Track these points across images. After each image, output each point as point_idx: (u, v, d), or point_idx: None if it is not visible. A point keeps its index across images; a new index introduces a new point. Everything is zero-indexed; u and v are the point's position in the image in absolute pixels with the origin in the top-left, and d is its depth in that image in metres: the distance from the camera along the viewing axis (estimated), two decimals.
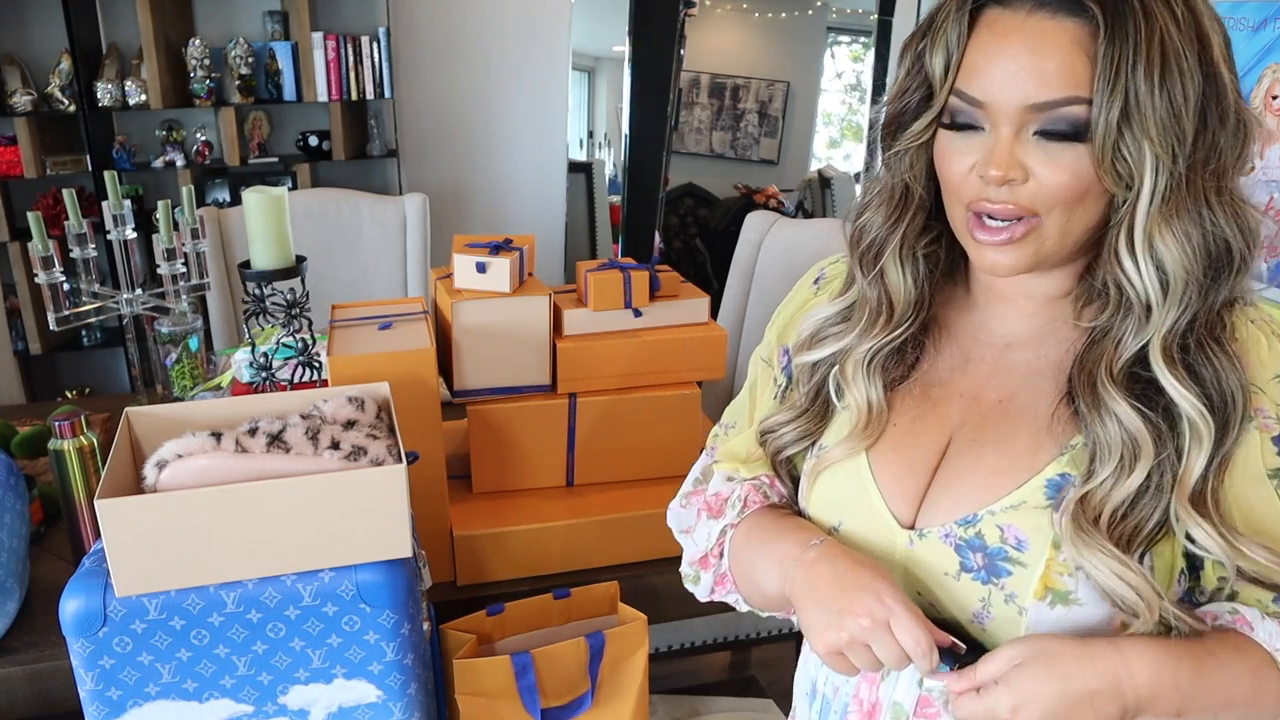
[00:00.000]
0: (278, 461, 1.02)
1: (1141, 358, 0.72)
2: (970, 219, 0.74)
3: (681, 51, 3.37)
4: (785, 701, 1.14)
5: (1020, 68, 0.68)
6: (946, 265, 0.85)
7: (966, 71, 0.71)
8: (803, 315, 0.92)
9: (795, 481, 0.93)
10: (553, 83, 3.53)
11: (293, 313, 1.43)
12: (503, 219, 3.65)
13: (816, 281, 0.96)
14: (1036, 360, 0.81)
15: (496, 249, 1.44)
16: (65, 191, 1.70)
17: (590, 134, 3.61)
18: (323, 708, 1.08)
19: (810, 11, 3.49)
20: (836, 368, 0.86)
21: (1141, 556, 0.71)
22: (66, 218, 1.63)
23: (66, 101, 3.12)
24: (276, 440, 1.04)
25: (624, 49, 3.34)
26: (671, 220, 3.55)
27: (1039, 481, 0.75)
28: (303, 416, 1.10)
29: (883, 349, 0.83)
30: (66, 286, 1.63)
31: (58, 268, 1.60)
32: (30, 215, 1.57)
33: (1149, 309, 0.70)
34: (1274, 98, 1.27)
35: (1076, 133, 0.68)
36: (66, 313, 1.62)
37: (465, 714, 1.20)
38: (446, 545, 1.37)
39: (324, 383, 1.49)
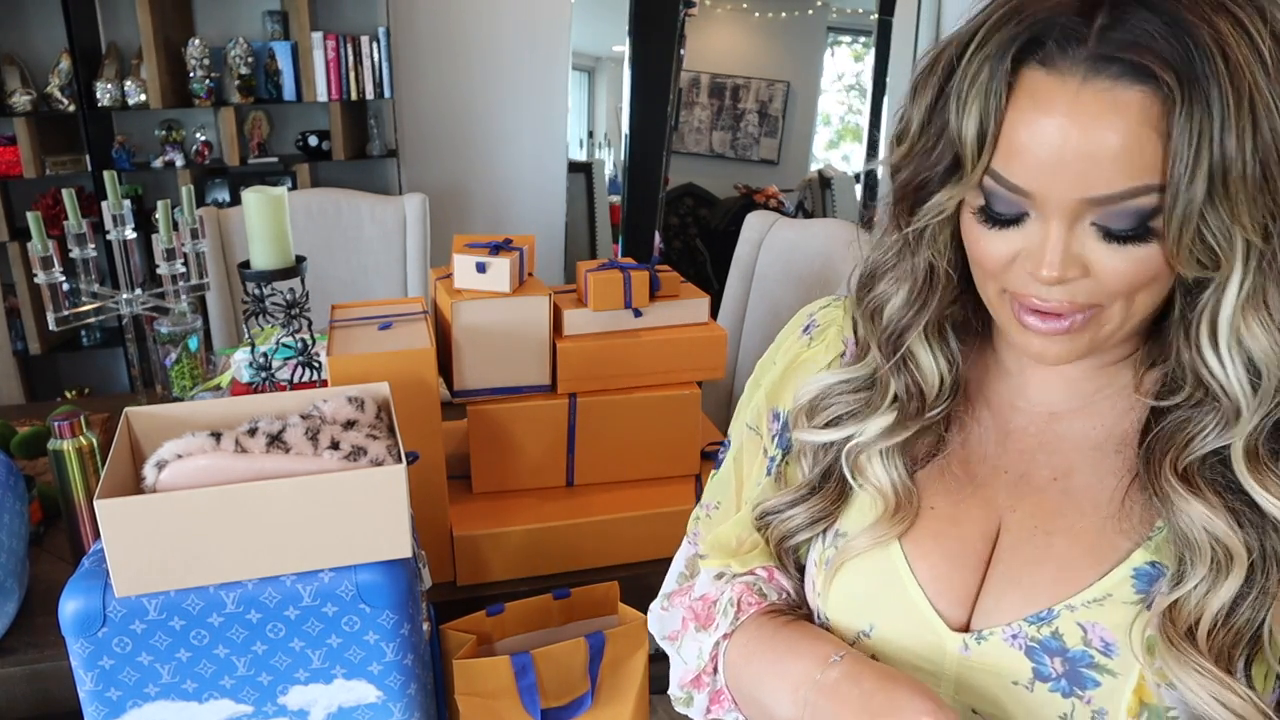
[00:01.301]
0: (277, 461, 1.02)
1: (1220, 453, 0.61)
2: (1014, 305, 0.63)
3: (681, 51, 3.37)
4: None
5: (1076, 155, 0.55)
6: (976, 324, 0.73)
7: (1006, 150, 0.57)
8: (796, 372, 0.80)
9: (801, 569, 0.80)
10: (553, 83, 3.53)
11: (292, 313, 1.43)
12: (503, 219, 3.65)
13: (807, 329, 0.82)
14: (1092, 432, 0.69)
15: (496, 249, 1.44)
16: (65, 191, 1.69)
17: (590, 134, 3.61)
18: (322, 708, 1.07)
19: (810, 11, 3.49)
20: (848, 448, 0.74)
21: (1248, 665, 0.60)
22: (66, 218, 1.63)
23: (66, 101, 3.12)
24: (276, 440, 1.04)
25: (624, 49, 3.34)
26: (671, 220, 3.55)
27: (1125, 571, 0.63)
28: (302, 416, 1.10)
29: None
30: (66, 286, 1.62)
31: (57, 268, 1.60)
32: (30, 215, 1.57)
33: (1238, 411, 0.59)
34: None
35: (1143, 223, 0.56)
36: (66, 313, 1.62)
37: (465, 714, 1.20)
38: (446, 545, 1.37)
39: (324, 383, 1.49)
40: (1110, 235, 0.57)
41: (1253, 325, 0.58)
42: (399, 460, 1.05)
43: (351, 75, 3.27)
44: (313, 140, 3.36)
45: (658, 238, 3.51)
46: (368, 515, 1.02)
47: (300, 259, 1.42)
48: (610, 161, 3.59)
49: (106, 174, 1.66)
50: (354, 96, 3.30)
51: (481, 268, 1.41)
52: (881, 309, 0.71)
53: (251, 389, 1.58)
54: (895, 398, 0.71)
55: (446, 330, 1.43)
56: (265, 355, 1.50)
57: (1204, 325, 0.59)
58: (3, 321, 3.22)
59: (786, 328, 0.85)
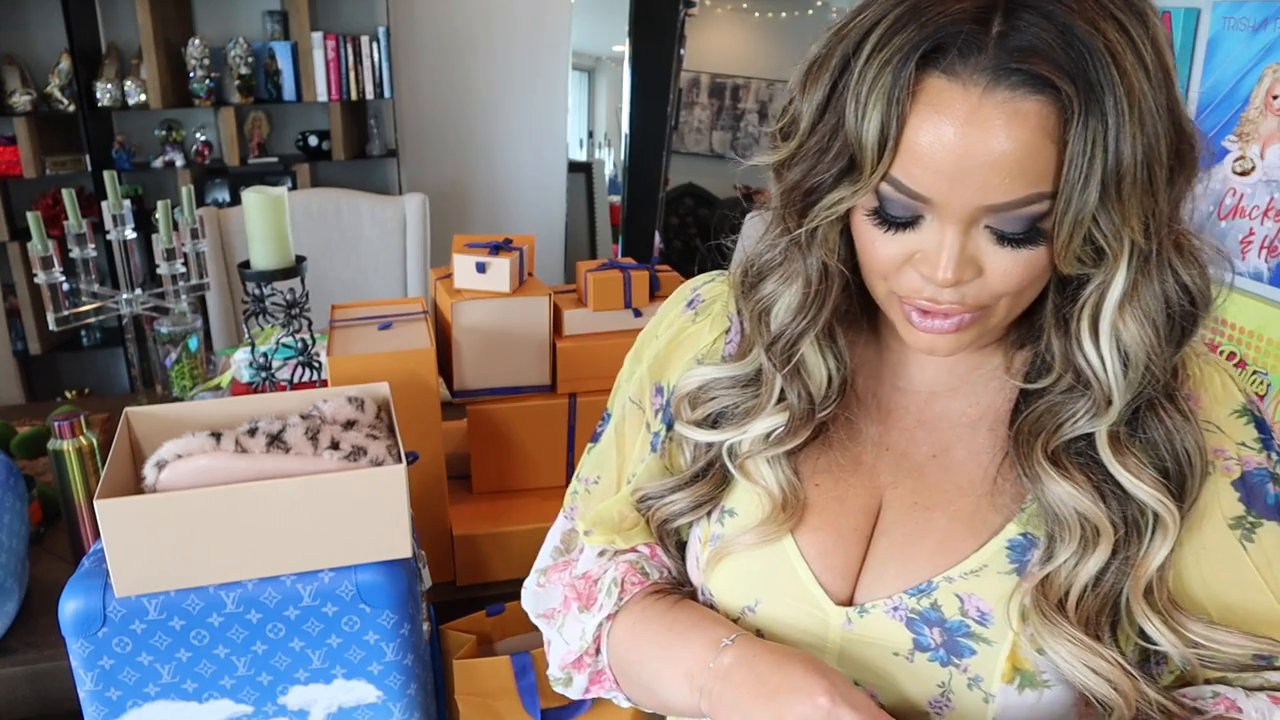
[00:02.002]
0: (277, 461, 1.02)
1: (1087, 435, 0.64)
2: (904, 304, 0.64)
3: (681, 51, 3.37)
4: None
5: (977, 164, 0.55)
6: (860, 312, 0.73)
7: (906, 156, 0.57)
8: (680, 346, 0.79)
9: (681, 548, 0.79)
10: (553, 83, 3.53)
11: (292, 313, 1.43)
12: (503, 219, 3.65)
13: (691, 304, 0.81)
14: (969, 410, 0.71)
15: (496, 249, 1.44)
16: (65, 191, 1.70)
17: (590, 134, 3.61)
18: (322, 708, 1.07)
19: (810, 11, 3.49)
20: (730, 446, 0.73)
21: (1113, 629, 0.64)
22: (66, 218, 1.63)
23: (66, 101, 3.12)
24: (276, 440, 1.04)
25: (624, 49, 3.34)
26: (671, 220, 3.55)
27: (1000, 543, 0.65)
28: (302, 416, 1.10)
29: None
30: (66, 286, 1.62)
31: (57, 268, 1.60)
32: (30, 215, 1.57)
33: (1110, 400, 0.62)
34: (1274, 97, 1.27)
35: (1033, 226, 0.58)
36: (66, 313, 1.62)
37: (465, 714, 1.20)
38: (446, 545, 1.37)
39: (324, 383, 1.49)
40: (1003, 238, 0.59)
41: (1129, 320, 0.60)
42: (399, 460, 1.05)
43: (351, 75, 3.27)
44: (313, 140, 3.37)
45: (658, 238, 3.51)
46: (368, 515, 1.02)
47: (300, 259, 1.42)
48: (610, 161, 3.59)
49: (106, 174, 1.66)
50: (354, 96, 3.30)
51: (481, 268, 1.41)
52: (770, 310, 0.69)
53: (251, 389, 1.58)
54: (783, 401, 0.70)
55: (446, 330, 1.43)
56: (265, 355, 1.50)
57: (1085, 320, 0.61)
58: (3, 321, 3.22)
59: (669, 301, 0.83)
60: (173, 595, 1.00)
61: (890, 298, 0.65)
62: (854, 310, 0.72)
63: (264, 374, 1.50)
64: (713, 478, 0.74)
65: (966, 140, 0.55)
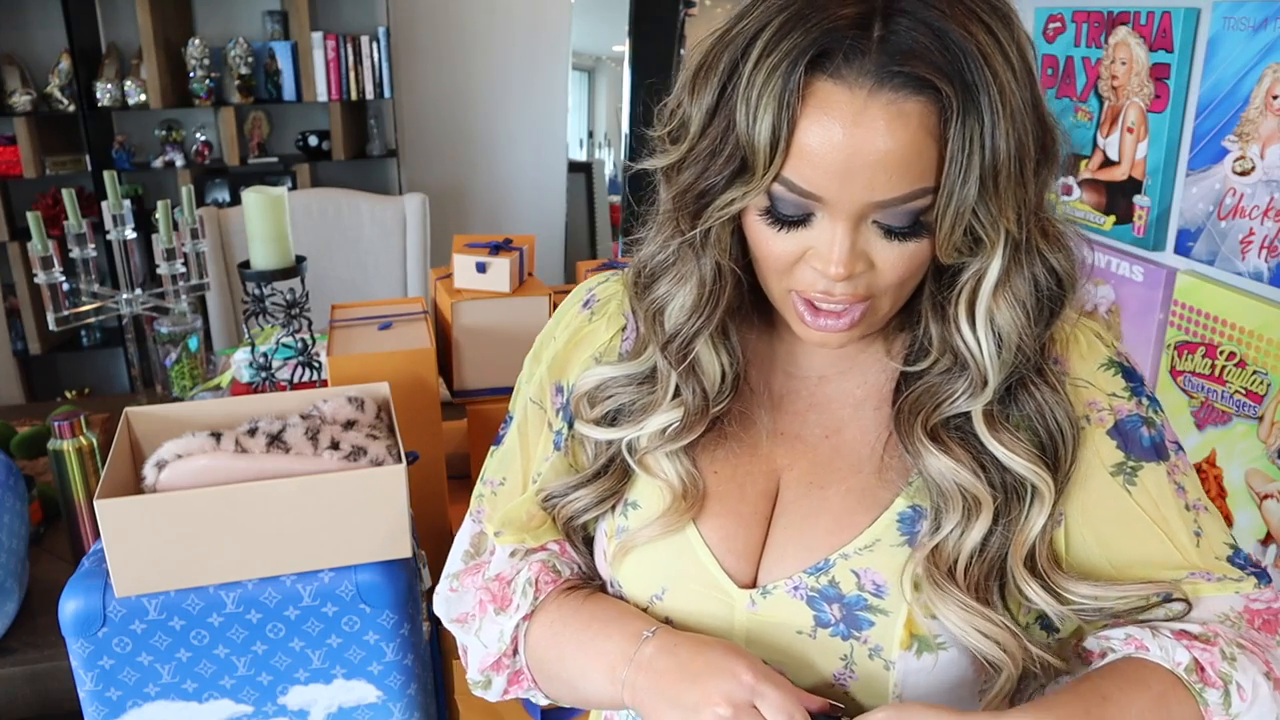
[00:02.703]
0: (277, 461, 1.02)
1: (965, 413, 0.67)
2: (797, 300, 0.66)
3: (681, 51, 3.36)
4: None
5: (865, 163, 0.57)
6: (751, 307, 0.74)
7: (796, 157, 0.59)
8: (578, 346, 0.80)
9: (589, 542, 0.81)
10: (553, 83, 3.53)
11: (292, 313, 1.43)
12: (503, 219, 3.66)
13: (587, 304, 0.82)
14: (856, 390, 0.74)
15: (496, 249, 1.44)
16: (65, 191, 1.70)
17: (590, 134, 3.61)
18: (322, 708, 1.08)
19: None
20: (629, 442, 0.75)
21: (1003, 592, 0.67)
22: (66, 218, 1.63)
23: (66, 101, 3.12)
24: (276, 440, 1.04)
25: (624, 49, 3.34)
26: None
27: (890, 517, 0.68)
28: (302, 416, 1.10)
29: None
30: (66, 286, 1.62)
31: (57, 268, 1.60)
32: (30, 215, 1.57)
33: (985, 380, 0.65)
34: (1274, 97, 1.27)
35: (916, 220, 0.61)
36: (66, 313, 1.62)
37: (465, 714, 1.20)
38: (446, 545, 1.36)
39: (324, 383, 1.49)
40: (890, 232, 0.62)
41: (1001, 304, 0.64)
42: (399, 460, 1.05)
43: (351, 75, 3.27)
44: (313, 140, 3.37)
45: None
46: (368, 515, 1.02)
47: (300, 259, 1.42)
48: (610, 161, 3.59)
49: (106, 174, 1.66)
50: (354, 96, 3.30)
51: (481, 268, 1.41)
52: (664, 310, 0.71)
53: (251, 389, 1.58)
54: (679, 397, 0.72)
55: (446, 330, 1.43)
56: (265, 355, 1.50)
57: (962, 305, 0.65)
58: (3, 321, 3.22)
59: (565, 302, 0.85)
60: (173, 595, 1.00)
61: (785, 296, 0.67)
62: (746, 305, 0.73)
63: (264, 374, 1.50)
64: (614, 473, 0.76)
65: (854, 140, 0.57)
